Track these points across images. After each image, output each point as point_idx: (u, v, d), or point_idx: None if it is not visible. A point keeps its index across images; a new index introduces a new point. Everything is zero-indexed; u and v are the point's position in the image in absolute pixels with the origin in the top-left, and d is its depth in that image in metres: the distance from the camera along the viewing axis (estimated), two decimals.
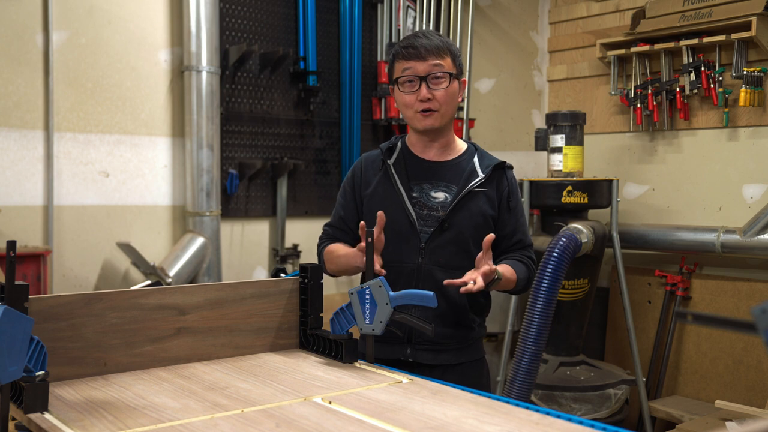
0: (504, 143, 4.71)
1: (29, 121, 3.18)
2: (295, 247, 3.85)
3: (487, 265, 1.87)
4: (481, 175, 2.06)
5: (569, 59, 4.68)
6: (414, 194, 2.06)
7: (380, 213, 1.90)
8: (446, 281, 1.89)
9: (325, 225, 2.23)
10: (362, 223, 1.89)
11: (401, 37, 4.07)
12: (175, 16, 3.52)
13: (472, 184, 2.05)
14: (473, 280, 1.85)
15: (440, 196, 2.06)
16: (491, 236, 1.88)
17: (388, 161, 2.09)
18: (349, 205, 2.14)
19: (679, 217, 4.10)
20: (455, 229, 2.03)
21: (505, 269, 2.00)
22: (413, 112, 2.03)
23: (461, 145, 2.15)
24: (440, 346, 2.04)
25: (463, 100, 4.24)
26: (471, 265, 2.01)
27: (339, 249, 2.09)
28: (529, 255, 2.14)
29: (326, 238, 2.19)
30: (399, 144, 2.15)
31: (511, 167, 2.16)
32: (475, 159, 2.11)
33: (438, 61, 2.00)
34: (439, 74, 2.01)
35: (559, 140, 3.86)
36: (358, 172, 2.15)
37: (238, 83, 3.68)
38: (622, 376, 3.75)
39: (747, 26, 3.62)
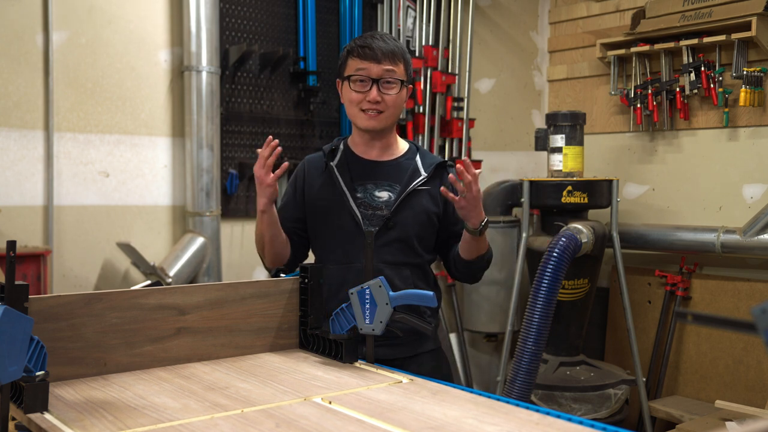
0: (504, 143, 4.71)
1: (29, 121, 3.18)
2: None
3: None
4: (423, 173, 2.11)
5: (569, 59, 4.68)
6: (358, 195, 2.11)
7: (269, 138, 1.99)
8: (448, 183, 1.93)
9: None
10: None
11: (401, 38, 4.08)
12: (175, 16, 3.52)
13: (415, 183, 2.10)
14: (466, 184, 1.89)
15: (384, 195, 2.11)
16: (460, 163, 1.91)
17: (331, 163, 2.14)
18: (288, 205, 2.20)
19: (679, 217, 4.10)
20: (400, 227, 2.07)
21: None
22: (358, 110, 2.08)
23: (403, 145, 2.20)
24: (396, 341, 2.04)
25: (463, 100, 4.26)
26: (415, 261, 2.10)
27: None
28: None
29: None
30: (341, 145, 2.19)
31: (453, 165, 2.18)
32: (417, 158, 2.16)
33: (392, 67, 2.06)
34: (390, 79, 2.06)
35: (559, 140, 3.86)
36: (301, 174, 2.20)
37: (238, 83, 3.68)
38: (622, 376, 3.75)
39: (747, 26, 3.62)
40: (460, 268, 2.14)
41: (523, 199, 3.82)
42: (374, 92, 2.04)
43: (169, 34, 3.52)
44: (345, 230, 2.07)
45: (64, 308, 1.60)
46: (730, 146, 3.91)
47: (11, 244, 1.44)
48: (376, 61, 2.04)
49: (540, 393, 3.70)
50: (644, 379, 3.81)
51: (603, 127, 4.47)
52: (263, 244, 2.13)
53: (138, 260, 3.29)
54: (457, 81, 4.26)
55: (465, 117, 4.24)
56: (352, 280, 1.99)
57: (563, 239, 3.41)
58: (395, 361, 2.00)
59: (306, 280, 1.91)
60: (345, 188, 2.09)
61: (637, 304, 4.18)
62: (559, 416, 1.35)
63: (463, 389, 1.56)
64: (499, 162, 4.64)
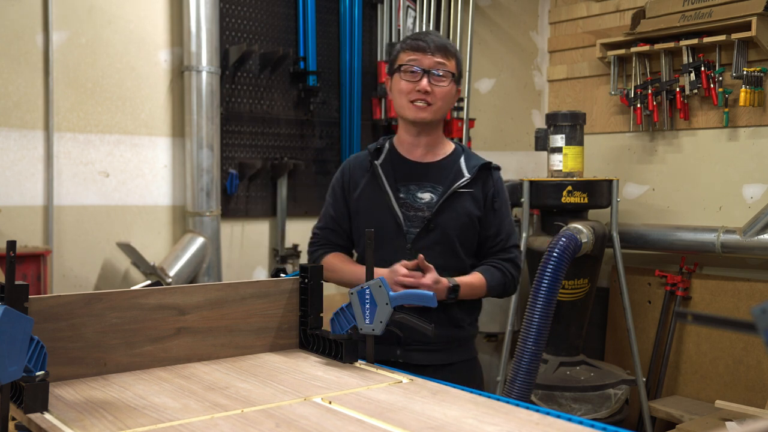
0: (504, 143, 4.71)
1: (29, 121, 3.18)
2: (295, 247, 3.85)
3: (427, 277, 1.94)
4: (467, 175, 2.09)
5: (569, 59, 4.68)
6: (401, 195, 2.08)
7: (420, 257, 1.96)
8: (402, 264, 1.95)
9: (315, 228, 2.23)
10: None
11: (401, 38, 4.08)
12: (175, 16, 3.52)
13: (457, 184, 2.07)
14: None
15: (426, 196, 2.08)
16: (420, 258, 1.95)
17: (376, 162, 2.11)
18: (339, 204, 2.16)
19: (679, 217, 4.10)
20: (440, 229, 2.05)
21: (467, 279, 2.04)
22: (407, 101, 2.05)
23: (449, 146, 2.18)
24: (431, 347, 2.04)
25: (463, 100, 4.26)
26: (457, 265, 2.06)
27: (345, 266, 2.12)
28: (508, 257, 2.14)
29: (319, 243, 2.20)
30: (387, 145, 2.16)
31: (498, 168, 2.17)
32: (462, 160, 2.13)
33: (443, 60, 2.05)
34: (441, 72, 2.04)
35: (559, 140, 3.86)
36: (347, 172, 2.17)
37: (238, 83, 3.68)
38: (622, 376, 3.75)
39: (747, 26, 3.61)
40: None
41: (523, 199, 3.82)
42: (424, 82, 2.03)
43: (169, 34, 3.52)
44: (386, 230, 2.04)
45: (64, 308, 1.60)
46: (730, 146, 3.90)
47: (11, 244, 1.44)
48: (428, 53, 2.03)
49: (540, 393, 3.70)
50: (644, 379, 3.81)
51: (603, 127, 4.47)
52: (344, 285, 2.13)
53: (138, 260, 3.29)
54: None
55: (465, 117, 4.24)
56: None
57: (563, 239, 3.41)
58: (428, 368, 1.98)
59: (306, 280, 1.91)
60: (388, 188, 2.07)
61: (637, 304, 4.18)
62: (559, 416, 1.35)
63: (463, 389, 1.56)
64: (499, 162, 4.54)
